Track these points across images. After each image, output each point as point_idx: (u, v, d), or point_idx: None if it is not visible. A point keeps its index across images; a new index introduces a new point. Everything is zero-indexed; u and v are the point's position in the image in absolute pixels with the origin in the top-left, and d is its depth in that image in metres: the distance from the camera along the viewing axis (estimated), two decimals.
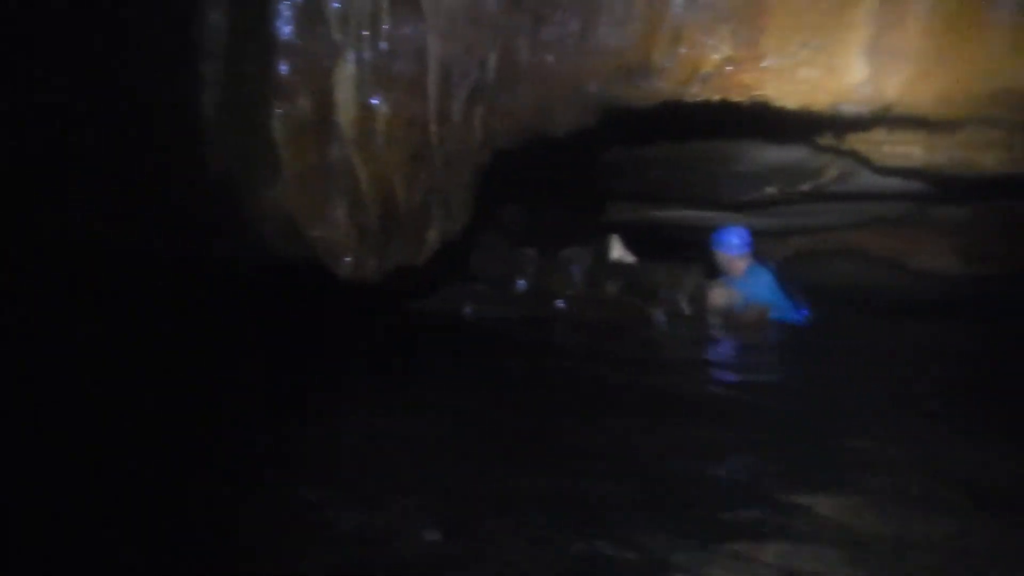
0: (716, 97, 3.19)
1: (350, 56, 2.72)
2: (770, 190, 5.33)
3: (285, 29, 2.64)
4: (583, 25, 2.81)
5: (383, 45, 2.72)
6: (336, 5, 2.59)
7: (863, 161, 4.32)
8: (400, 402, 2.36)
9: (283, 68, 2.75)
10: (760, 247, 5.43)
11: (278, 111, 2.79)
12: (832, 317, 5.01)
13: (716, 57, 3.00)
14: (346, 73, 2.76)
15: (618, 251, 5.32)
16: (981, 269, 6.58)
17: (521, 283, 4.60)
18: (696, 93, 3.17)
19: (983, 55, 2.95)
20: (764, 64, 3.04)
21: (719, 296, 4.96)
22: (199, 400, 2.24)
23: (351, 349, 3.41)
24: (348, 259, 3.09)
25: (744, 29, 2.94)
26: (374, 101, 2.81)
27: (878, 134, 3.84)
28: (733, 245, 4.96)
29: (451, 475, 1.64)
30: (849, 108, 3.26)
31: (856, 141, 4.00)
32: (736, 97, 3.20)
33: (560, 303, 4.65)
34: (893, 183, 4.83)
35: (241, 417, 2.06)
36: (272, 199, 2.92)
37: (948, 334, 5.04)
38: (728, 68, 3.05)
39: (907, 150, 4.00)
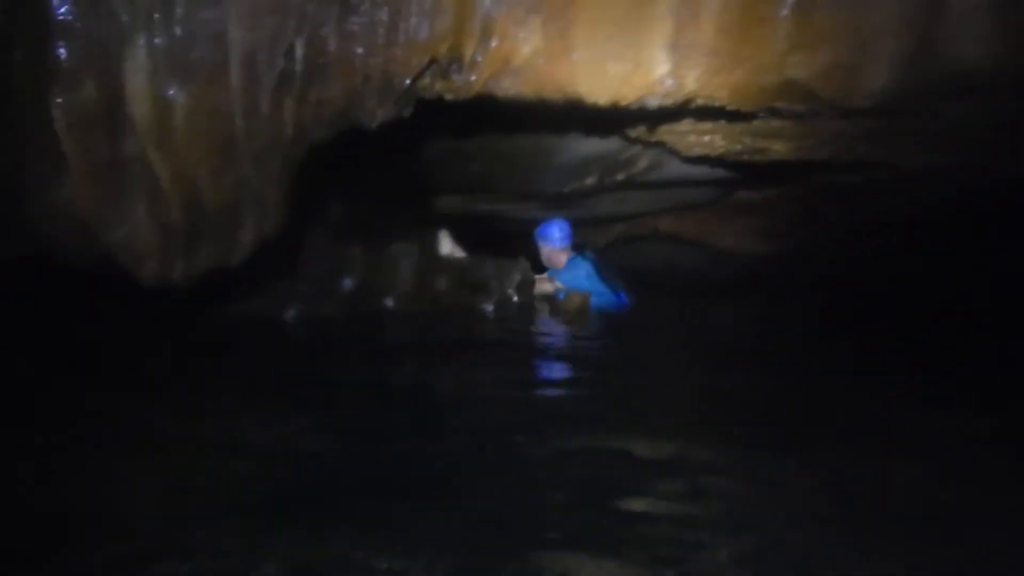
0: (529, 92, 3.25)
1: (141, 41, 2.51)
2: (590, 181, 5.56)
3: (62, 8, 2.39)
4: (392, 16, 2.76)
5: (178, 30, 2.54)
6: None
7: (671, 151, 4.61)
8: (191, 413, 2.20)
9: (62, 52, 2.49)
10: (583, 235, 5.70)
11: (59, 100, 2.53)
12: (647, 301, 5.38)
13: (527, 50, 3.06)
14: (137, 60, 2.53)
15: (448, 246, 5.37)
16: (776, 247, 7.28)
17: (347, 282, 4.49)
18: (509, 87, 3.21)
19: (768, 50, 3.19)
20: (575, 57, 3.14)
21: (544, 286, 5.21)
22: None
23: (153, 357, 3.17)
24: (152, 262, 2.86)
25: (554, 20, 3.02)
26: (171, 91, 2.62)
27: (684, 125, 4.09)
28: (555, 238, 5.26)
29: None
30: (655, 101, 3.40)
31: (664, 132, 4.25)
32: (549, 93, 3.27)
33: (389, 301, 4.60)
34: (700, 170, 5.19)
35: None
36: (60, 199, 2.65)
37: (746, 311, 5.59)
38: (540, 61, 3.12)
39: (710, 139, 4.30)
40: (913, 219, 6.06)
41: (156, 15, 2.41)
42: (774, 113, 3.70)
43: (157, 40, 2.45)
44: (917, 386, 2.92)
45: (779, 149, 4.33)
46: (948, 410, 2.49)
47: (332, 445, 1.81)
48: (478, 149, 4.99)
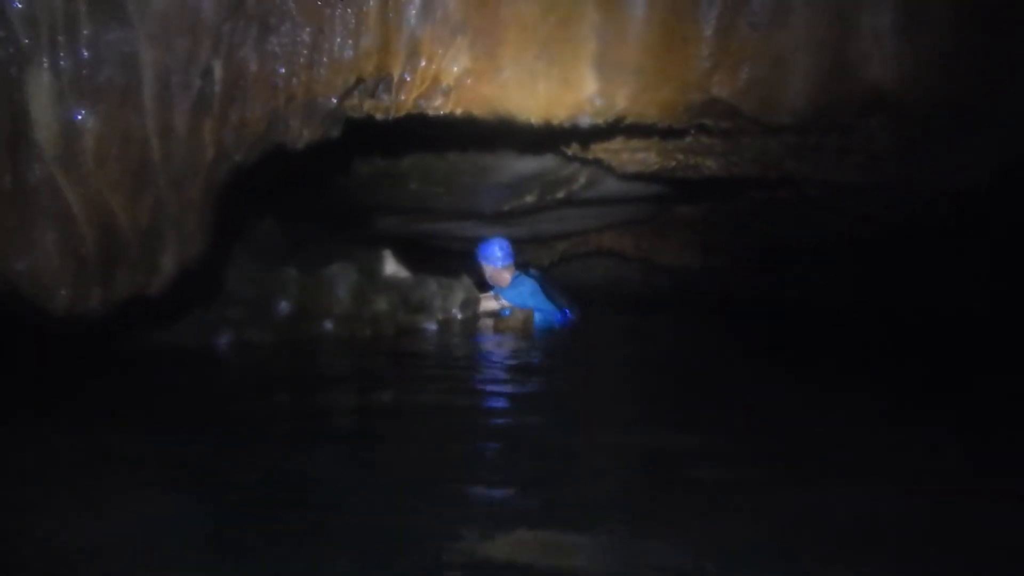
0: (459, 111, 3.21)
1: (44, 64, 2.40)
2: (529, 199, 5.56)
3: None
4: (314, 36, 2.70)
5: (85, 52, 2.43)
6: (18, 5, 2.27)
7: (607, 168, 4.64)
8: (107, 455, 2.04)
9: None
10: (527, 254, 5.69)
11: None
12: (591, 316, 5.39)
13: (456, 69, 3.04)
14: (41, 83, 2.42)
15: (392, 267, 5.29)
16: (713, 261, 7.40)
17: (283, 305, 4.37)
18: (439, 106, 3.17)
19: (693, 68, 3.22)
20: (504, 76, 3.12)
21: (488, 304, 5.18)
22: None
23: (68, 393, 2.98)
24: (64, 292, 2.72)
25: (481, 41, 3.00)
26: (79, 115, 2.50)
27: (617, 143, 4.12)
28: (497, 257, 5.25)
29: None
30: (586, 119, 3.40)
31: (599, 150, 4.27)
32: (479, 111, 3.24)
33: (327, 324, 4.49)
34: (638, 187, 5.24)
35: None
36: None
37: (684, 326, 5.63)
38: (468, 80, 3.09)
39: (644, 156, 4.34)
40: (850, 236, 6.21)
41: (60, 37, 2.31)
42: (703, 130, 3.74)
43: (62, 62, 2.34)
44: (855, 398, 2.95)
45: (711, 165, 4.39)
46: (878, 418, 2.54)
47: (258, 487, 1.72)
48: (415, 169, 4.95)
